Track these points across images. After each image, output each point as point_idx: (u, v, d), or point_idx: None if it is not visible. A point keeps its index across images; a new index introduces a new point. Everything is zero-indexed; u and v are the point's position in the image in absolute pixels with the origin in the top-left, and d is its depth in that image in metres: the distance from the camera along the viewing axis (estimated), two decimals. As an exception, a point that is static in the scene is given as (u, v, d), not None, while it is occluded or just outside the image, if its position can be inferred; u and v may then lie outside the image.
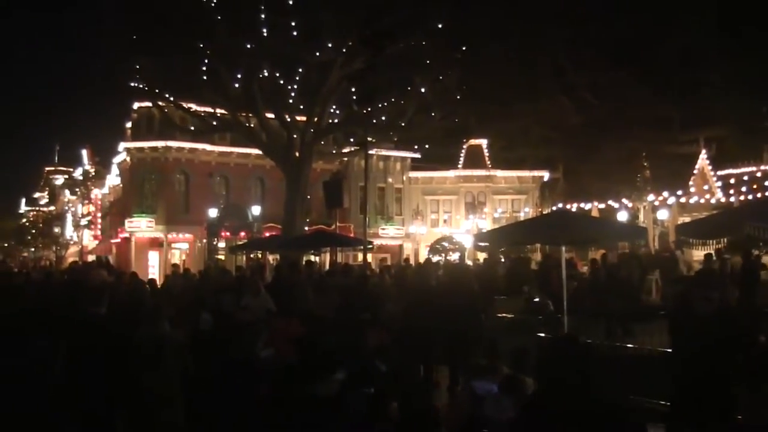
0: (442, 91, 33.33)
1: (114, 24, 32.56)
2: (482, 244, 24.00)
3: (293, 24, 31.11)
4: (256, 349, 11.56)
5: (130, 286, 19.28)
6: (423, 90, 33.20)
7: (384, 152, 57.30)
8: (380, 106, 32.80)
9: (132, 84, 34.79)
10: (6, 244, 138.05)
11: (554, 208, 45.99)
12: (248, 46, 31.91)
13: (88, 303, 9.76)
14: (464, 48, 32.51)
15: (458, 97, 33.91)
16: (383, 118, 34.57)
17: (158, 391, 9.15)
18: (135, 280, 21.01)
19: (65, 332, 9.49)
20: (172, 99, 36.62)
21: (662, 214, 42.65)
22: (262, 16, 31.25)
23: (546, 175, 63.57)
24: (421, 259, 52.50)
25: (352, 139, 38.80)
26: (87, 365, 8.84)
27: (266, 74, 33.26)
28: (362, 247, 29.49)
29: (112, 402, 9.09)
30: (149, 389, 9.14)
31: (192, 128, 42.12)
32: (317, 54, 32.18)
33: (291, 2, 30.84)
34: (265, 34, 31.54)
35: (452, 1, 32.05)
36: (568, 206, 45.10)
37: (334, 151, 42.72)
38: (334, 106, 34.61)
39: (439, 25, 31.15)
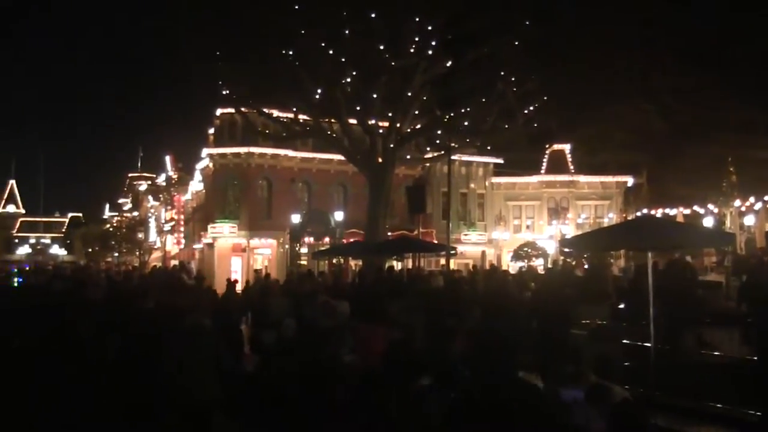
0: (524, 96, 33.15)
1: (198, 31, 33.01)
2: (567, 249, 23.97)
3: (376, 30, 31.22)
4: (340, 355, 11.46)
5: (209, 290, 19.94)
6: (505, 95, 33.06)
7: (466, 158, 57.27)
8: (463, 111, 32.74)
9: (215, 91, 35.22)
10: (90, 249, 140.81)
11: (639, 214, 45.54)
12: (331, 52, 32.08)
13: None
14: (547, 52, 32.30)
15: (542, 100, 33.69)
16: (466, 123, 34.46)
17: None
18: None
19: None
20: (255, 105, 37.03)
21: (749, 220, 41.91)
22: (345, 22, 31.40)
23: (630, 180, 62.86)
24: (504, 265, 52.50)
25: (435, 143, 38.75)
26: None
27: (349, 80, 33.33)
28: (445, 253, 29.64)
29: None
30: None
31: (275, 134, 42.54)
32: (400, 59, 32.20)
33: (373, 8, 30.96)
34: (347, 41, 31.68)
35: (535, 6, 31.84)
36: (653, 212, 44.62)
37: (416, 157, 42.73)
38: (416, 112, 34.48)
39: (523, 30, 31.00)
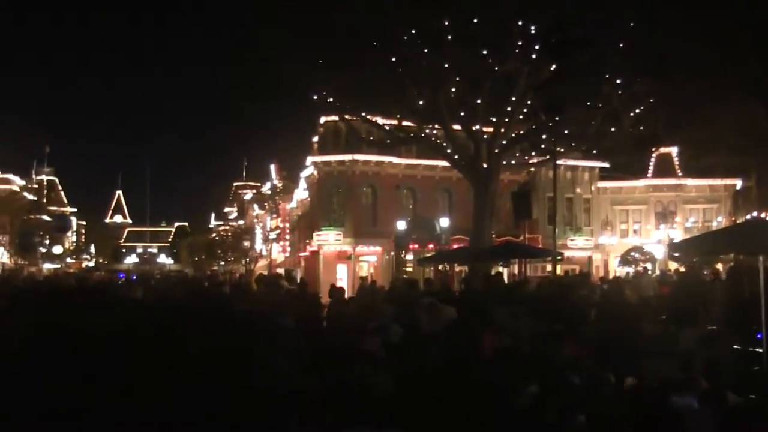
0: (630, 99, 32.80)
1: (300, 39, 33.44)
2: (676, 254, 23.69)
3: (479, 35, 31.24)
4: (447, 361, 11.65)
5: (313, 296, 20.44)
6: (611, 98, 32.75)
7: (572, 162, 56.78)
8: (568, 115, 32.54)
9: (319, 99, 35.62)
10: (197, 258, 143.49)
11: (748, 217, 44.65)
12: (434, 58, 32.21)
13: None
14: (653, 54, 31.87)
15: (648, 103, 33.26)
16: (571, 127, 34.26)
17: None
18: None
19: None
20: (358, 113, 37.41)
21: None
22: (447, 27, 31.48)
23: (739, 183, 61.66)
24: (611, 271, 51.94)
25: (540, 148, 38.54)
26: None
27: (453, 86, 33.40)
28: (551, 259, 29.57)
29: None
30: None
31: (379, 141, 42.84)
32: (504, 64, 32.17)
33: (476, 13, 31.00)
34: (450, 46, 31.78)
35: (640, 8, 31.44)
36: (763, 215, 43.70)
37: (521, 162, 42.59)
38: (521, 117, 34.37)
39: (627, 32, 30.67)
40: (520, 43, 31.36)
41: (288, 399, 8.41)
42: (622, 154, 40.99)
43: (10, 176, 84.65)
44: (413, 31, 31.72)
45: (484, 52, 31.70)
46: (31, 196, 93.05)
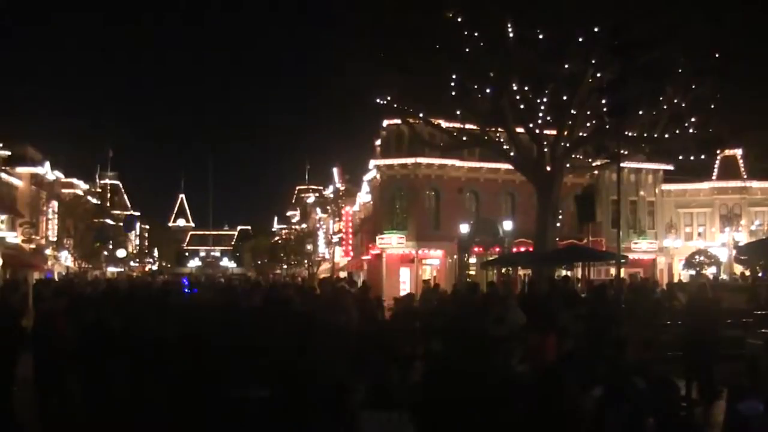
0: (695, 101, 32.55)
1: (364, 42, 33.68)
2: (743, 257, 23.58)
3: (541, 37, 31.26)
4: (511, 364, 11.79)
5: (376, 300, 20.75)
6: (675, 100, 32.52)
7: (635, 165, 56.47)
8: (631, 117, 32.36)
9: (382, 102, 35.81)
10: (259, 262, 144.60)
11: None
12: (496, 61, 32.27)
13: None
14: (717, 55, 31.57)
15: (712, 106, 33.00)
16: (635, 129, 34.09)
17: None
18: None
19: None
20: (421, 116, 37.59)
21: None
22: (510, 30, 31.54)
23: (806, 185, 60.97)
24: (675, 274, 51.50)
25: (604, 151, 38.36)
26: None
27: (515, 88, 33.42)
28: (615, 262, 29.49)
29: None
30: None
31: (441, 144, 42.96)
32: (566, 66, 32.13)
33: (538, 16, 31.03)
34: (513, 49, 31.82)
35: (703, 9, 31.18)
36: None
37: (584, 165, 42.43)
38: (584, 119, 34.27)
39: (691, 33, 30.43)
40: (583, 45, 31.27)
41: (333, 389, 8.73)
42: (686, 157, 40.53)
43: (75, 180, 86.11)
44: (476, 34, 31.79)
45: (548, 54, 31.68)
46: (95, 200, 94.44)
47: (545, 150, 34.37)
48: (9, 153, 62.31)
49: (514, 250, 46.59)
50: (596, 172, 51.82)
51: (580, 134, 35.01)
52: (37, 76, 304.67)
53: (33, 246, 69.03)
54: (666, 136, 34.20)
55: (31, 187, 70.69)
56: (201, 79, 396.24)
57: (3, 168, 63.31)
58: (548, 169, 34.03)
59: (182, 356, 11.37)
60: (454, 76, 33.28)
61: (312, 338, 11.61)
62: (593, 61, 31.52)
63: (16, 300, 19.15)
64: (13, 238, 61.76)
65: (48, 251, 74.92)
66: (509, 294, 20.17)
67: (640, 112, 32.72)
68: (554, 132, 34.50)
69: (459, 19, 31.66)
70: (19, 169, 68.75)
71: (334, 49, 34.44)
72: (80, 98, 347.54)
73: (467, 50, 32.19)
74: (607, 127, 33.50)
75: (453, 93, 33.93)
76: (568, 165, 36.04)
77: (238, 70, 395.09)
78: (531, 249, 38.69)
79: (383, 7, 32.90)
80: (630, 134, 33.99)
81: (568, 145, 34.24)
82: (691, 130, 33.65)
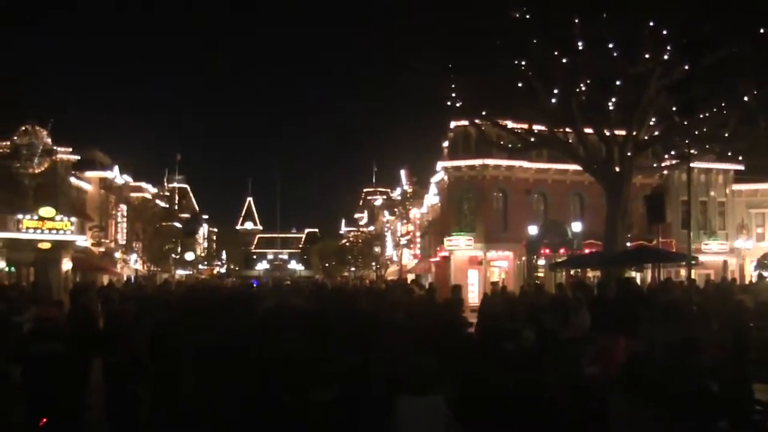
0: (766, 99, 32.20)
1: (431, 44, 33.90)
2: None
3: (609, 36, 31.27)
4: (581, 366, 11.90)
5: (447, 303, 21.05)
6: (746, 98, 32.22)
7: (705, 165, 56.07)
8: (701, 116, 32.18)
9: (449, 103, 35.97)
10: (327, 264, 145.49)
11: None
12: (564, 61, 32.32)
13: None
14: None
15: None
16: (705, 129, 33.86)
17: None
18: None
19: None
20: (489, 117, 37.78)
21: None
22: (577, 29, 31.58)
23: None
24: (747, 275, 50.97)
25: (672, 152, 38.16)
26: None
27: (583, 88, 33.45)
28: (685, 263, 29.46)
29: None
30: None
31: (509, 145, 43.08)
32: (635, 66, 32.08)
33: (605, 15, 31.01)
34: (580, 48, 31.86)
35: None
36: None
37: (653, 165, 42.20)
38: (653, 119, 34.10)
39: (762, 31, 30.08)
40: (651, 44, 31.23)
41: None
42: (757, 156, 40.14)
43: (143, 184, 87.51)
44: (543, 34, 31.92)
45: (615, 54, 31.68)
46: (163, 204, 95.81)
47: (614, 150, 34.15)
48: (78, 157, 63.14)
49: (583, 251, 46.52)
50: (666, 172, 51.56)
51: (650, 134, 34.84)
52: (106, 82, 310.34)
53: (102, 249, 70.48)
54: (737, 135, 33.87)
55: (100, 191, 72.12)
56: (269, 82, 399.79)
57: (72, 172, 64.61)
58: (617, 169, 33.78)
59: (265, 363, 11.72)
60: (521, 77, 33.43)
61: (377, 337, 12.12)
62: (662, 60, 31.43)
63: (90, 303, 19.93)
64: (83, 241, 62.84)
65: (117, 254, 76.36)
66: (575, 297, 20.30)
67: (710, 112, 32.53)
68: (623, 132, 34.23)
69: (526, 20, 31.80)
70: (89, 174, 70.24)
71: (402, 51, 34.61)
72: (149, 103, 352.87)
73: (534, 50, 32.32)
74: (677, 126, 33.45)
75: (520, 94, 34.08)
76: (637, 165, 35.87)
77: (304, 71, 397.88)
78: (600, 250, 38.65)
79: (450, 8, 33.20)
80: (700, 134, 33.78)
81: (637, 145, 34.11)
82: (762, 129, 33.27)
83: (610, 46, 31.22)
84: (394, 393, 8.90)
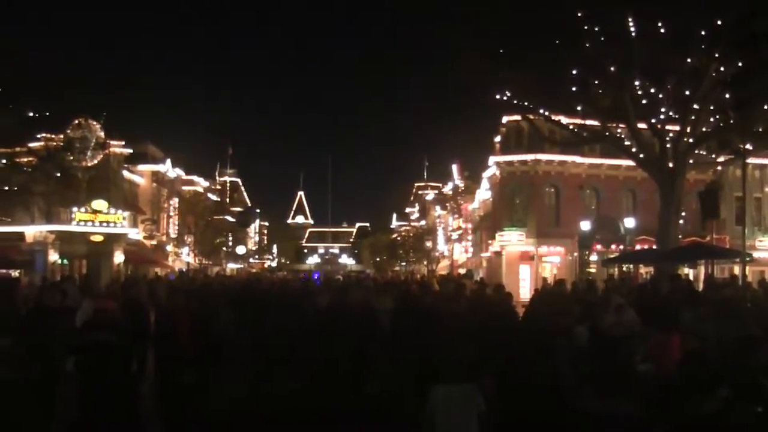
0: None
1: (482, 39, 33.94)
2: None
3: (662, 30, 31.09)
4: (633, 363, 11.95)
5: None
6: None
7: (760, 160, 55.43)
8: (757, 111, 31.90)
9: (501, 98, 35.97)
10: (378, 259, 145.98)
11: None
12: (617, 55, 32.25)
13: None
14: None
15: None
16: (760, 124, 33.52)
17: None
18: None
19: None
20: (541, 112, 37.78)
21: None
22: (630, 24, 31.47)
23: None
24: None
25: (728, 146, 37.81)
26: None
27: (637, 83, 33.29)
28: (739, 260, 29.28)
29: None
30: None
31: (562, 140, 43.00)
32: (689, 60, 31.89)
33: (659, 8, 30.86)
34: (634, 43, 31.75)
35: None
36: None
37: (707, 161, 41.86)
38: (708, 114, 33.85)
39: None
40: (705, 38, 31.03)
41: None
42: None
43: (195, 177, 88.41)
44: (596, 28, 31.85)
45: (669, 48, 31.52)
46: (214, 197, 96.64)
47: (668, 146, 33.97)
48: (131, 151, 64.44)
49: (637, 247, 46.34)
50: (720, 168, 51.14)
51: (704, 129, 34.62)
52: (157, 76, 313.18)
53: (154, 242, 71.41)
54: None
55: (152, 185, 73.18)
56: (320, 77, 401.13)
57: (125, 166, 65.71)
58: (671, 165, 33.58)
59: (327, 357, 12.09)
60: (574, 72, 33.35)
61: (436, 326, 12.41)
62: (716, 55, 31.21)
63: (141, 296, 20.25)
64: (135, 234, 63.98)
65: (169, 247, 77.27)
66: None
67: (766, 107, 32.22)
68: (677, 127, 34.10)
69: (579, 14, 31.75)
70: (141, 167, 71.35)
71: (454, 46, 34.70)
72: (201, 97, 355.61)
73: (587, 45, 32.26)
74: (732, 122, 33.18)
75: (573, 88, 34.00)
76: (691, 161, 35.63)
77: (355, 65, 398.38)
78: (653, 247, 38.46)
79: (503, 3, 33.26)
80: (755, 129, 33.46)
81: (691, 140, 33.81)
82: None
83: (664, 40, 31.07)
84: (432, 380, 9.13)
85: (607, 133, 36.96)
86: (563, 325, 13.25)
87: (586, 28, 31.79)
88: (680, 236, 38.04)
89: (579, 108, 35.86)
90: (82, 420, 11.17)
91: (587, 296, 21.39)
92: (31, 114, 40.94)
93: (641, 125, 34.60)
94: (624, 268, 41.66)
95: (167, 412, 13.72)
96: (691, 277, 34.87)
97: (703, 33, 30.83)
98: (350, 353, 12.30)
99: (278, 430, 11.29)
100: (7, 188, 44.86)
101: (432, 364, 9.75)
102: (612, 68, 32.66)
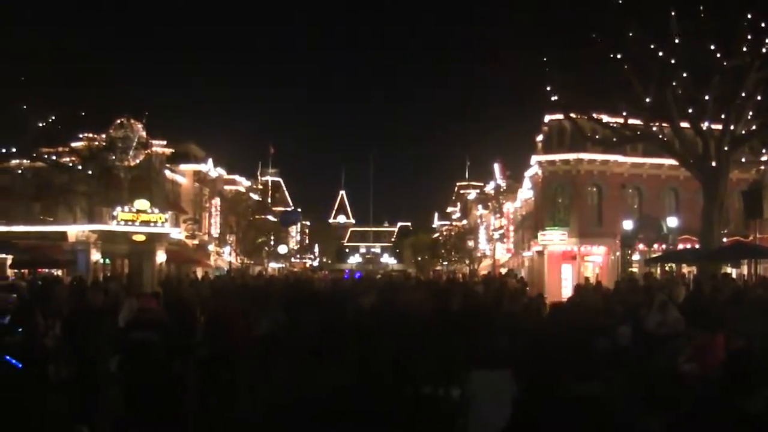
0: None
1: (525, 38, 34.08)
2: None
3: (706, 29, 31.10)
4: (677, 363, 12.07)
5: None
6: None
7: (802, 159, 55.06)
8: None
9: (544, 97, 36.06)
10: (420, 258, 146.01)
11: None
12: (660, 54, 32.24)
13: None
14: None
15: None
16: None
17: None
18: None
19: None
20: (584, 111, 37.80)
21: None
22: (674, 23, 31.48)
23: None
24: None
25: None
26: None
27: (680, 82, 33.27)
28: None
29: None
30: None
31: (604, 140, 42.97)
32: (732, 59, 31.84)
33: (702, 7, 30.87)
34: (677, 41, 31.75)
35: None
36: None
37: (751, 160, 41.66)
38: (751, 113, 33.71)
39: None
40: (749, 37, 30.98)
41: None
42: None
43: (237, 177, 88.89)
44: (639, 27, 31.89)
45: (712, 47, 31.49)
46: (256, 197, 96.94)
47: (711, 145, 33.85)
48: (173, 151, 64.76)
49: (679, 246, 46.22)
50: (763, 167, 50.85)
51: (748, 129, 34.49)
52: (199, 76, 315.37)
53: (196, 242, 71.95)
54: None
55: (194, 184, 73.63)
56: (362, 77, 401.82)
57: (167, 165, 66.18)
58: (714, 164, 33.55)
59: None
60: (617, 70, 33.43)
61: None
62: (760, 53, 31.15)
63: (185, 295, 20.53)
64: (177, 234, 64.55)
65: (211, 247, 77.81)
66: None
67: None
68: (720, 126, 33.98)
69: (621, 12, 31.80)
70: (183, 167, 71.81)
71: (497, 44, 34.87)
72: (243, 96, 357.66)
73: (629, 43, 32.30)
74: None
75: (616, 87, 34.05)
76: (734, 160, 35.53)
77: (397, 66, 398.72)
78: (696, 246, 38.40)
79: (545, 2, 33.40)
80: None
81: (734, 140, 33.80)
82: None
83: (708, 38, 31.04)
84: (469, 367, 9.41)
85: (649, 132, 36.88)
86: (604, 324, 13.33)
87: (629, 26, 31.83)
88: (723, 236, 37.91)
89: (622, 107, 35.86)
90: (126, 419, 11.52)
91: (630, 296, 21.43)
92: (75, 113, 41.28)
93: (684, 124, 34.55)
94: (666, 268, 41.56)
95: (211, 410, 13.89)
96: (734, 277, 34.78)
97: (746, 31, 30.81)
98: (395, 355, 12.26)
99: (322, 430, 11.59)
100: (50, 188, 45.50)
101: (471, 351, 10.00)
102: (655, 67, 32.62)
